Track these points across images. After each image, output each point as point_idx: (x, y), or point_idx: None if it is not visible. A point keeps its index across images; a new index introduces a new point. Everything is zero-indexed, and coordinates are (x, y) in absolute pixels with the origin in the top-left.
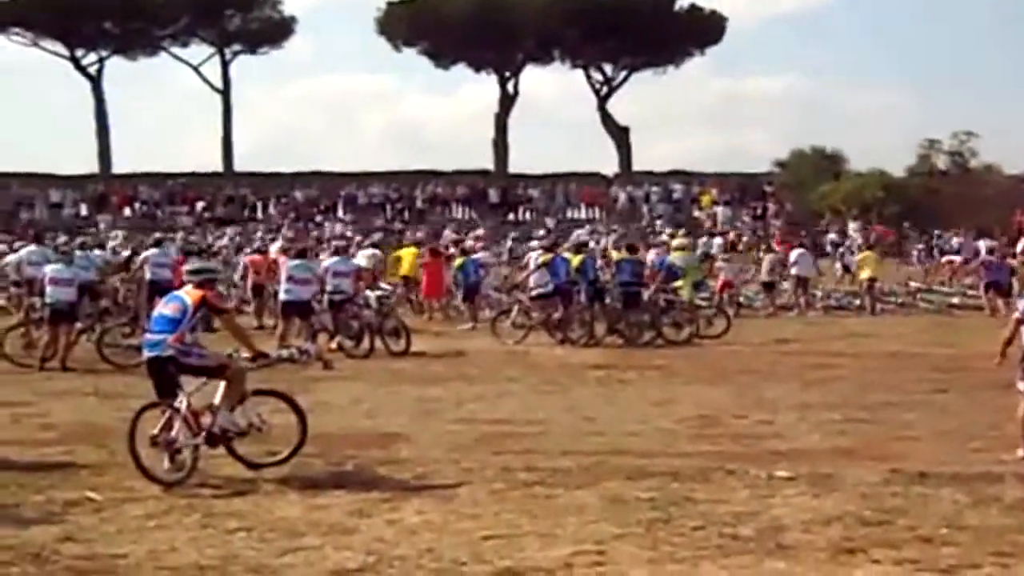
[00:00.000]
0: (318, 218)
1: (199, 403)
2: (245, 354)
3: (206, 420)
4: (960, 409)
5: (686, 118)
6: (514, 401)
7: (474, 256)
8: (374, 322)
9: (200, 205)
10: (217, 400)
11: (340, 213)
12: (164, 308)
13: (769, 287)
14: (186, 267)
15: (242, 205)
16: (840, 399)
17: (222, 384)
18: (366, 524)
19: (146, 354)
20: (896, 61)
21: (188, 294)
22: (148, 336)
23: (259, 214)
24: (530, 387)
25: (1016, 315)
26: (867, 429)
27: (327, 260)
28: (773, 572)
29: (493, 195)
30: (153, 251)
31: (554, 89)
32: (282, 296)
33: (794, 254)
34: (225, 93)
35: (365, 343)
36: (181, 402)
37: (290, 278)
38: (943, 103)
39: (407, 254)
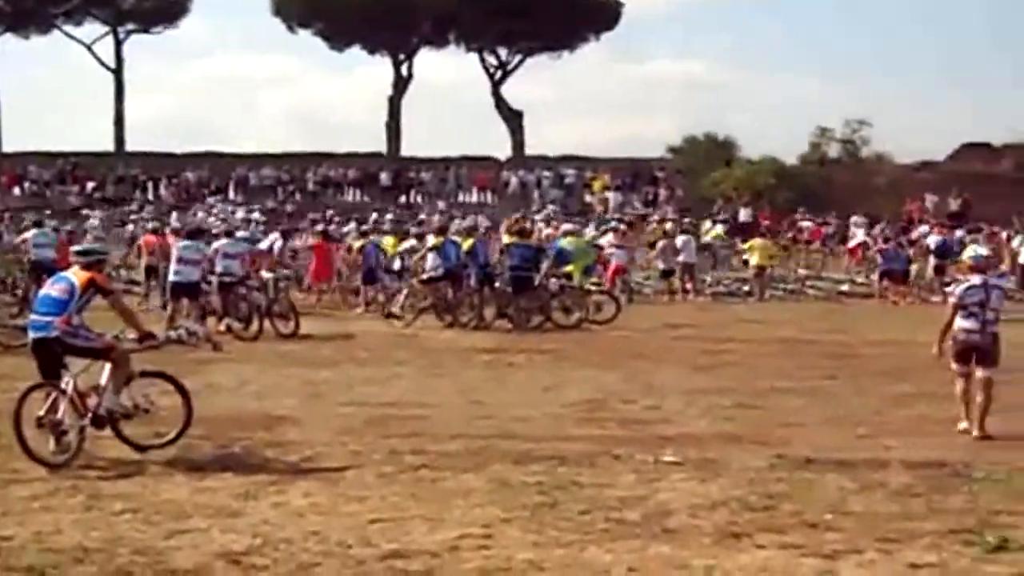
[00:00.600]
0: (209, 199)
1: (85, 384)
2: (132, 335)
3: (92, 401)
4: (847, 396)
5: (581, 103)
6: (403, 384)
7: (373, 239)
8: (263, 304)
9: (90, 185)
10: (103, 381)
11: (231, 195)
12: (51, 289)
13: (666, 274)
14: (74, 248)
15: (133, 185)
16: (728, 385)
17: (108, 365)
18: (252, 507)
19: (32, 335)
20: (791, 49)
21: (76, 275)
22: (34, 317)
23: (150, 194)
24: (419, 370)
25: (952, 300)
26: (754, 415)
27: (217, 242)
28: (658, 556)
29: (385, 178)
30: (33, 232)
31: (449, 72)
32: (171, 277)
33: (680, 240)
34: (118, 72)
35: (254, 325)
36: (67, 383)
37: (180, 259)
38: (837, 92)
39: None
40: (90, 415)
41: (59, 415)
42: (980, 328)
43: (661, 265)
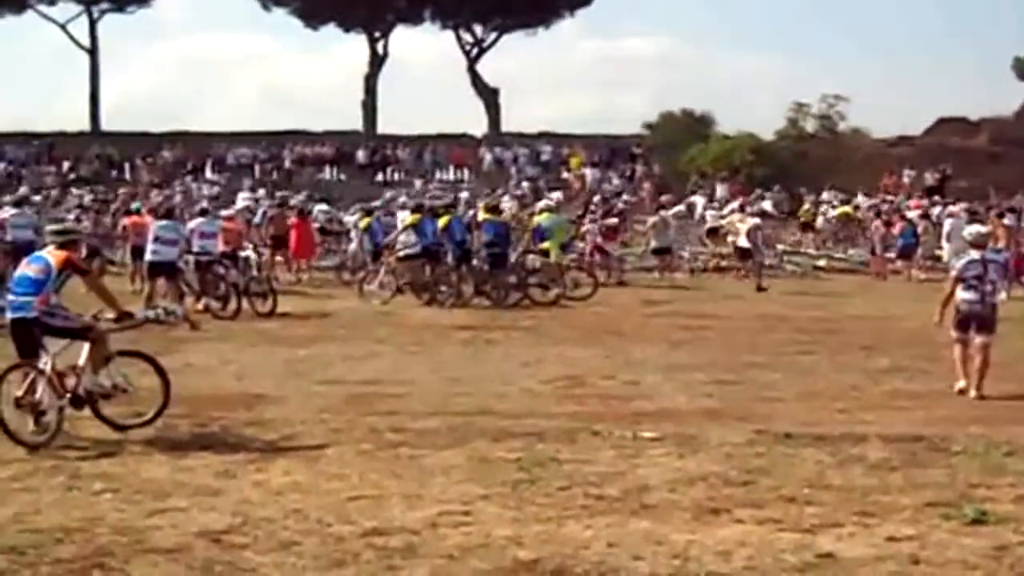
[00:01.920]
0: (187, 178)
1: (64, 364)
2: (110, 315)
3: (71, 382)
4: (824, 371)
5: (556, 79)
6: (381, 362)
7: (380, 217)
8: (240, 283)
9: (66, 165)
10: (82, 361)
11: (208, 173)
12: (27, 269)
13: (659, 252)
14: (49, 228)
15: (109, 165)
16: (706, 360)
17: (87, 345)
18: (232, 485)
19: (10, 316)
20: (767, 25)
21: (52, 255)
22: (11, 298)
23: (127, 174)
24: (397, 348)
25: (953, 274)
26: (732, 390)
27: (193, 221)
28: (638, 531)
29: (361, 156)
30: (12, 211)
31: (424, 50)
32: (148, 257)
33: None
34: (93, 52)
35: (232, 304)
36: (46, 364)
37: (157, 239)
38: (813, 67)
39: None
40: (69, 395)
41: (38, 395)
42: (980, 299)
43: (654, 243)
